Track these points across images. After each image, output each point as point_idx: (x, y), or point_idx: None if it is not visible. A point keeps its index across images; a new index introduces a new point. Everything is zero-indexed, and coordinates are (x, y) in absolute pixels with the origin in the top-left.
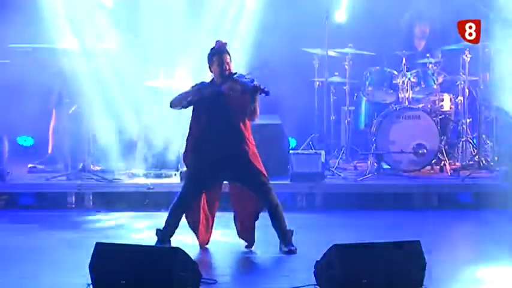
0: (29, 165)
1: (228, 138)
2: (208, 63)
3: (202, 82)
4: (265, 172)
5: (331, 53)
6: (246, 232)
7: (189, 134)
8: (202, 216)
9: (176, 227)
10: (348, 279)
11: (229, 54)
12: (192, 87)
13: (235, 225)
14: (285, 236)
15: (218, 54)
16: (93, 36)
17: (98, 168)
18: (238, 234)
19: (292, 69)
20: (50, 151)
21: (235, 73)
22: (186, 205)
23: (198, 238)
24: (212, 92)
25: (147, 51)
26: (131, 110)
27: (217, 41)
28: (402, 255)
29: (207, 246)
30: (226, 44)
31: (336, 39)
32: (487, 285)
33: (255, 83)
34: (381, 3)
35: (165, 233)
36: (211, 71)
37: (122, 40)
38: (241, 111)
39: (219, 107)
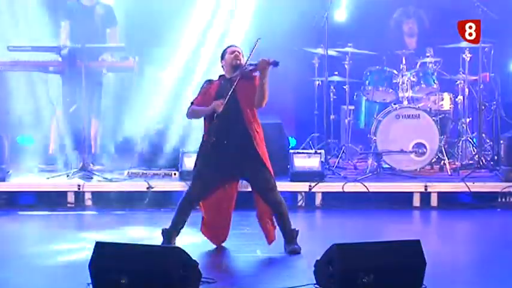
0: (30, 164)
1: (236, 131)
2: (221, 56)
3: (210, 80)
4: (270, 168)
5: (331, 52)
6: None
7: (204, 130)
8: (217, 216)
9: (182, 226)
10: (348, 278)
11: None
12: (201, 88)
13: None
14: (289, 236)
15: (231, 46)
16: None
17: (98, 167)
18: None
19: (292, 68)
20: (50, 151)
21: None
22: (192, 203)
23: (211, 241)
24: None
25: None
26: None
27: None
28: (402, 255)
29: (222, 244)
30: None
31: (336, 39)
32: (486, 285)
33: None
34: (381, 2)
35: (171, 233)
36: (222, 66)
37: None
38: (250, 102)
39: (229, 100)
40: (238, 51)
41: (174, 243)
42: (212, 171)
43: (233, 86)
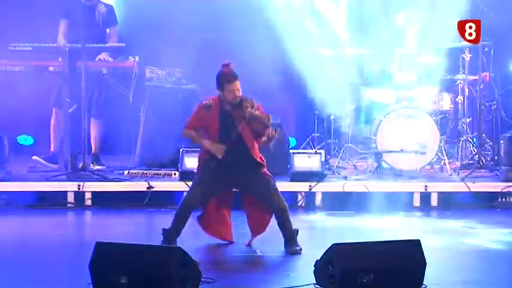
0: (33, 157)
1: (243, 163)
2: (217, 87)
3: (207, 105)
4: (270, 175)
5: (330, 52)
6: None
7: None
8: (216, 216)
9: (182, 228)
10: (348, 278)
11: (238, 79)
12: (199, 107)
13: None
14: (290, 236)
15: (229, 82)
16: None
17: (98, 167)
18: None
19: (291, 68)
20: (52, 149)
21: (244, 98)
22: (191, 208)
23: (220, 238)
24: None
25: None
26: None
27: (225, 65)
28: (402, 255)
29: (230, 240)
30: (233, 68)
31: (336, 38)
32: (486, 285)
33: (271, 130)
34: (381, 2)
35: (171, 234)
36: (220, 93)
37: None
38: (252, 138)
39: (228, 132)
40: (237, 89)
41: (174, 244)
42: (213, 182)
43: (235, 131)
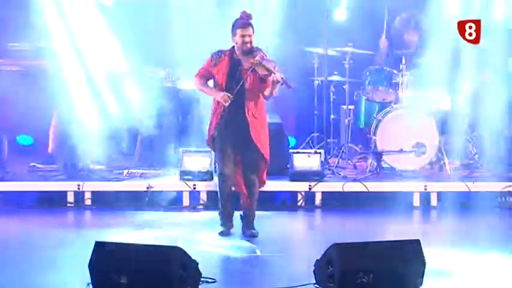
0: (31, 164)
1: (237, 117)
2: (232, 33)
3: (219, 51)
4: (264, 153)
5: (330, 52)
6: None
7: (213, 110)
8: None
9: (232, 207)
10: (348, 278)
11: (252, 27)
12: (211, 55)
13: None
14: (248, 219)
15: (241, 27)
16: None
17: (97, 167)
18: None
19: (291, 68)
20: (50, 150)
21: (255, 48)
22: (227, 178)
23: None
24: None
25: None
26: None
27: (242, 12)
28: (402, 255)
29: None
30: (251, 15)
31: (336, 38)
32: (486, 285)
33: (277, 74)
34: (381, 2)
35: (225, 214)
36: (233, 40)
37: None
38: (256, 94)
39: (235, 83)
40: (248, 34)
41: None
42: (225, 144)
43: (241, 81)
